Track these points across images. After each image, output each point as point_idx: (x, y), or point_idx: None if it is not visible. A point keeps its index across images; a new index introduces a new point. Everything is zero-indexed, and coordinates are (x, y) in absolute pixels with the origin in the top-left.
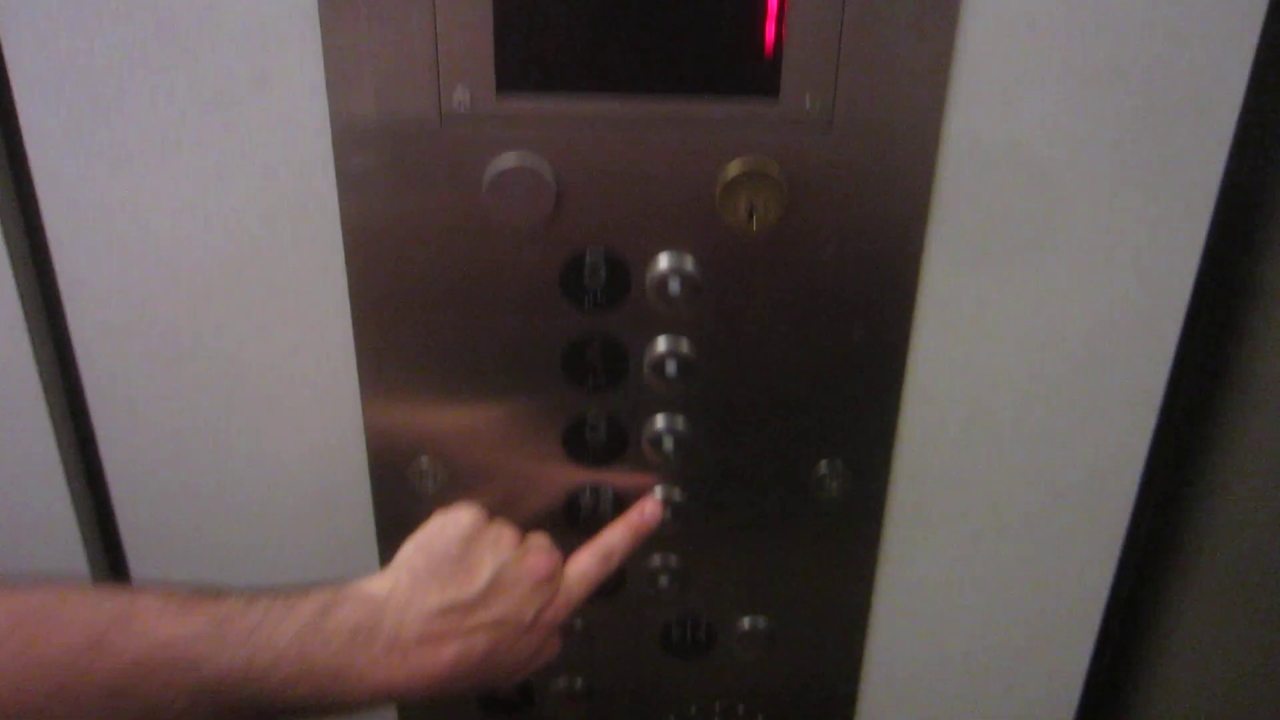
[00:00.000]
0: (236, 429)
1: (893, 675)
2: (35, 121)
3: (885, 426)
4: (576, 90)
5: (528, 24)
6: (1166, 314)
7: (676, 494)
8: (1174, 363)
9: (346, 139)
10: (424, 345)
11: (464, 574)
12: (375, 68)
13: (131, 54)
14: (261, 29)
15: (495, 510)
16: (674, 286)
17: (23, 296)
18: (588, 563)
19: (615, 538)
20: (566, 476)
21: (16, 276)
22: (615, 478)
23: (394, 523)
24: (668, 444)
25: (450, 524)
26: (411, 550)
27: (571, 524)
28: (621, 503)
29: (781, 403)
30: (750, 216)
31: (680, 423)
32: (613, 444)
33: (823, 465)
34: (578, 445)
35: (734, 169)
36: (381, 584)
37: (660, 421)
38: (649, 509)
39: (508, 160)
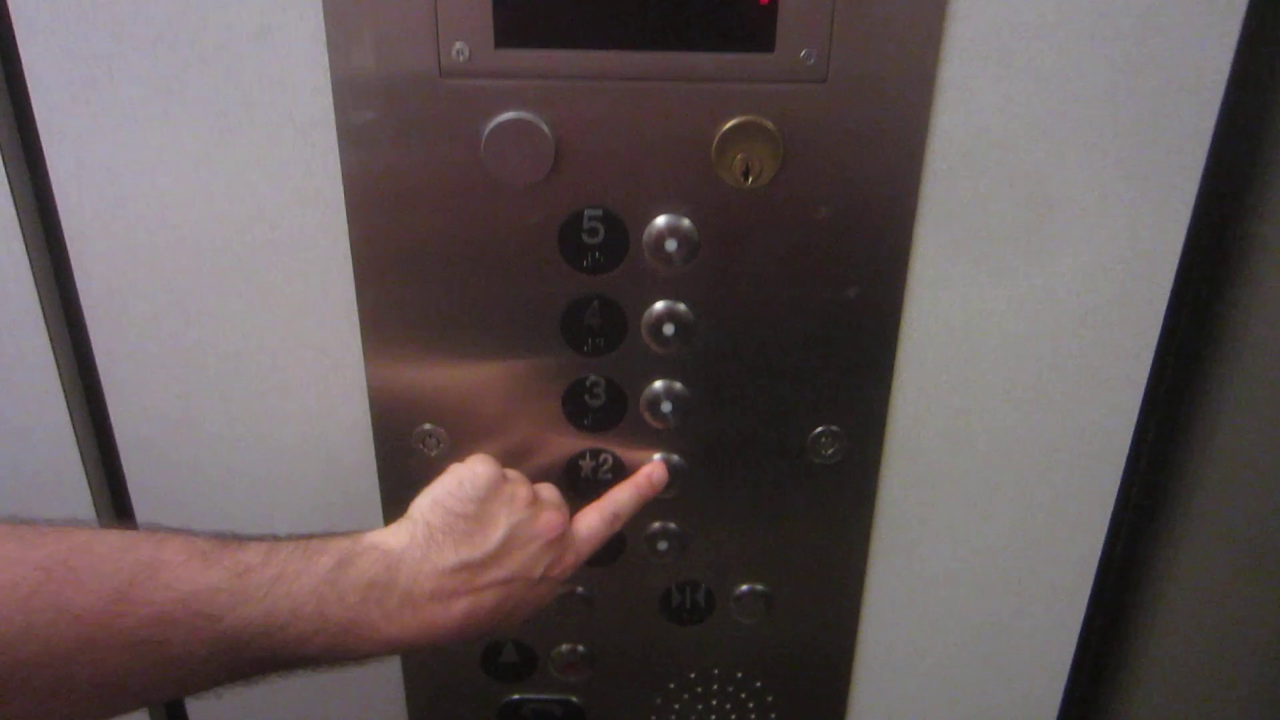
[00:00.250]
0: (242, 391)
1: (888, 639)
2: (40, 76)
3: (880, 391)
4: (574, 45)
5: None
6: (1158, 278)
7: (675, 459)
8: (1164, 326)
9: (347, 93)
10: (426, 305)
11: (478, 532)
12: (375, 21)
13: (134, 7)
14: None
15: None
16: (671, 245)
17: (31, 256)
18: (595, 522)
19: (622, 498)
20: (566, 439)
21: (24, 234)
22: (614, 441)
23: (398, 486)
24: (666, 407)
25: (468, 481)
26: (428, 505)
27: (571, 486)
28: (621, 466)
29: (778, 367)
30: (746, 172)
31: (678, 386)
32: (612, 407)
33: (819, 430)
34: (577, 409)
35: (729, 124)
36: (398, 538)
37: (658, 385)
38: (656, 473)
39: (507, 114)
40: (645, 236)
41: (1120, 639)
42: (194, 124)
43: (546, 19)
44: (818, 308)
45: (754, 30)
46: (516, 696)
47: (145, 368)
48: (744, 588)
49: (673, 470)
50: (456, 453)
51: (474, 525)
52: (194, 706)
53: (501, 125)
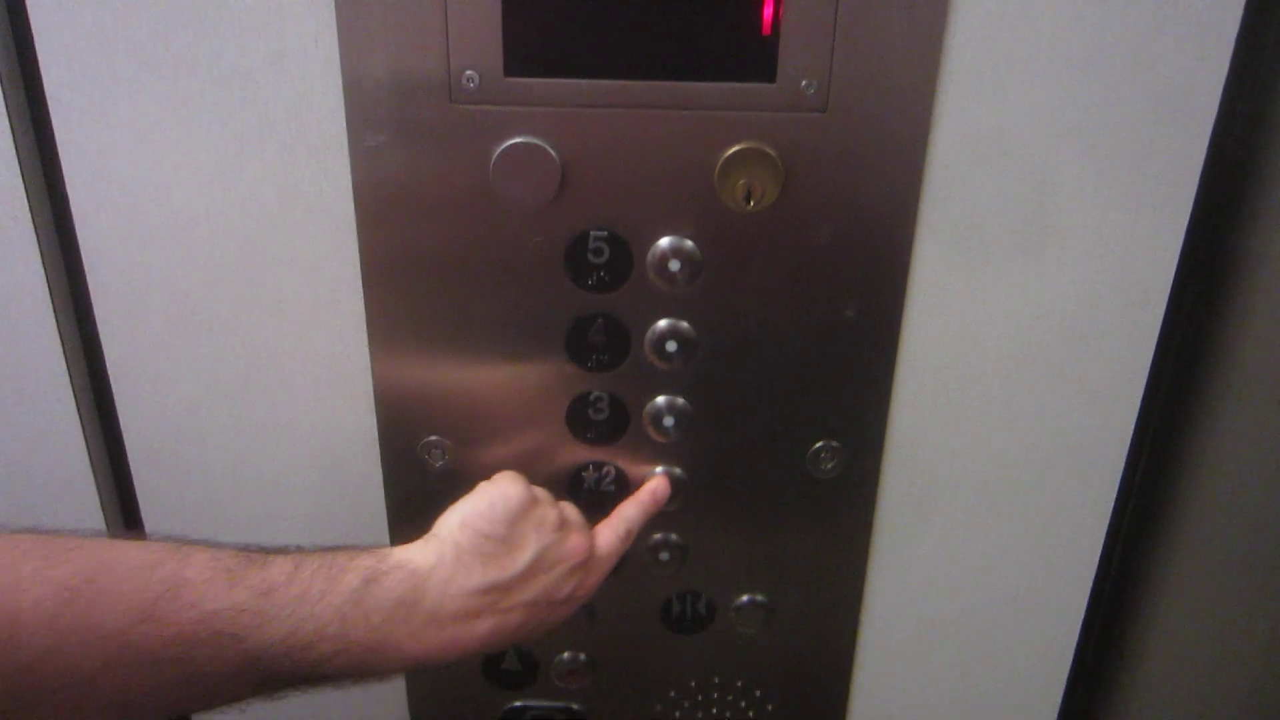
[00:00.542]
0: (252, 402)
1: (887, 649)
2: (60, 96)
3: (879, 405)
4: (581, 74)
5: (535, 10)
6: (1153, 290)
7: (677, 472)
8: (1160, 337)
9: (359, 116)
10: (433, 321)
11: (506, 555)
12: (388, 47)
13: (154, 29)
14: (279, 7)
15: None
16: (674, 265)
17: (47, 269)
18: (612, 540)
19: (631, 514)
20: (570, 452)
21: (41, 249)
22: (617, 454)
23: (404, 496)
24: (668, 422)
25: (499, 502)
26: (456, 525)
27: (575, 498)
28: (623, 478)
29: (778, 382)
30: (748, 197)
31: (680, 402)
32: (615, 421)
33: (818, 444)
34: (581, 422)
35: (732, 151)
36: (425, 557)
37: (661, 400)
38: (660, 488)
39: (515, 138)
40: (649, 257)
41: (1117, 650)
42: (210, 144)
43: (554, 49)
44: (818, 326)
45: (756, 61)
46: (518, 704)
47: (156, 377)
48: (744, 598)
49: (675, 483)
50: (461, 464)
51: (502, 547)
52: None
53: (510, 149)
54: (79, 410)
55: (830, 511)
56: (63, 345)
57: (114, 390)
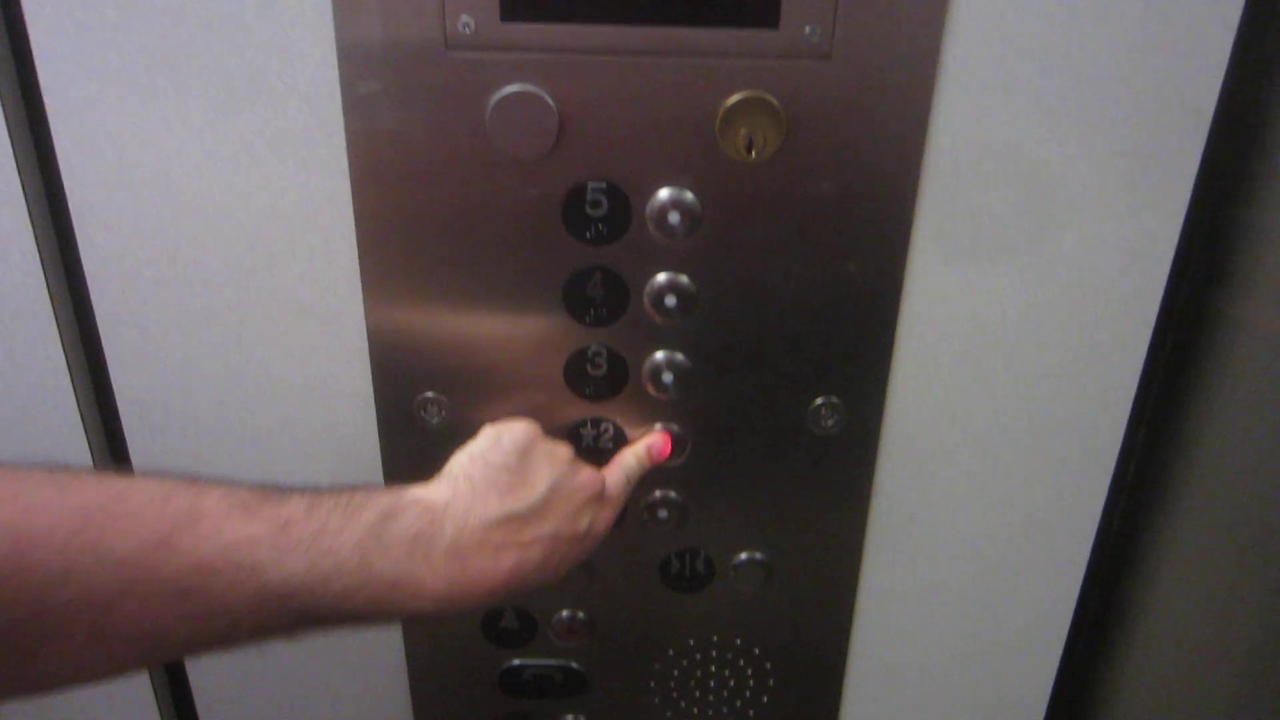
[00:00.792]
0: (245, 358)
1: (886, 607)
2: (46, 44)
3: (879, 363)
4: (579, 19)
5: None
6: (1158, 250)
7: (675, 429)
8: (1164, 295)
9: (352, 64)
10: (429, 274)
11: (522, 485)
12: None
13: None
14: None
15: None
16: (674, 218)
17: (35, 223)
18: (620, 479)
19: (631, 464)
20: (568, 408)
21: (29, 203)
22: (615, 410)
23: (400, 454)
24: (667, 377)
25: (506, 436)
26: (467, 460)
27: None
28: (622, 435)
29: (778, 338)
30: (749, 147)
31: (679, 357)
32: (613, 377)
33: (818, 401)
34: (579, 378)
35: (734, 99)
36: (440, 492)
37: (660, 356)
38: (658, 445)
39: (512, 86)
40: (648, 209)
41: (1116, 607)
42: (200, 93)
43: None
44: (819, 280)
45: (759, 7)
46: (517, 662)
47: (148, 334)
48: (743, 556)
49: (674, 440)
50: (458, 420)
51: (517, 478)
52: (195, 672)
53: (506, 98)
54: (69, 368)
55: (830, 468)
56: (52, 303)
57: (104, 347)
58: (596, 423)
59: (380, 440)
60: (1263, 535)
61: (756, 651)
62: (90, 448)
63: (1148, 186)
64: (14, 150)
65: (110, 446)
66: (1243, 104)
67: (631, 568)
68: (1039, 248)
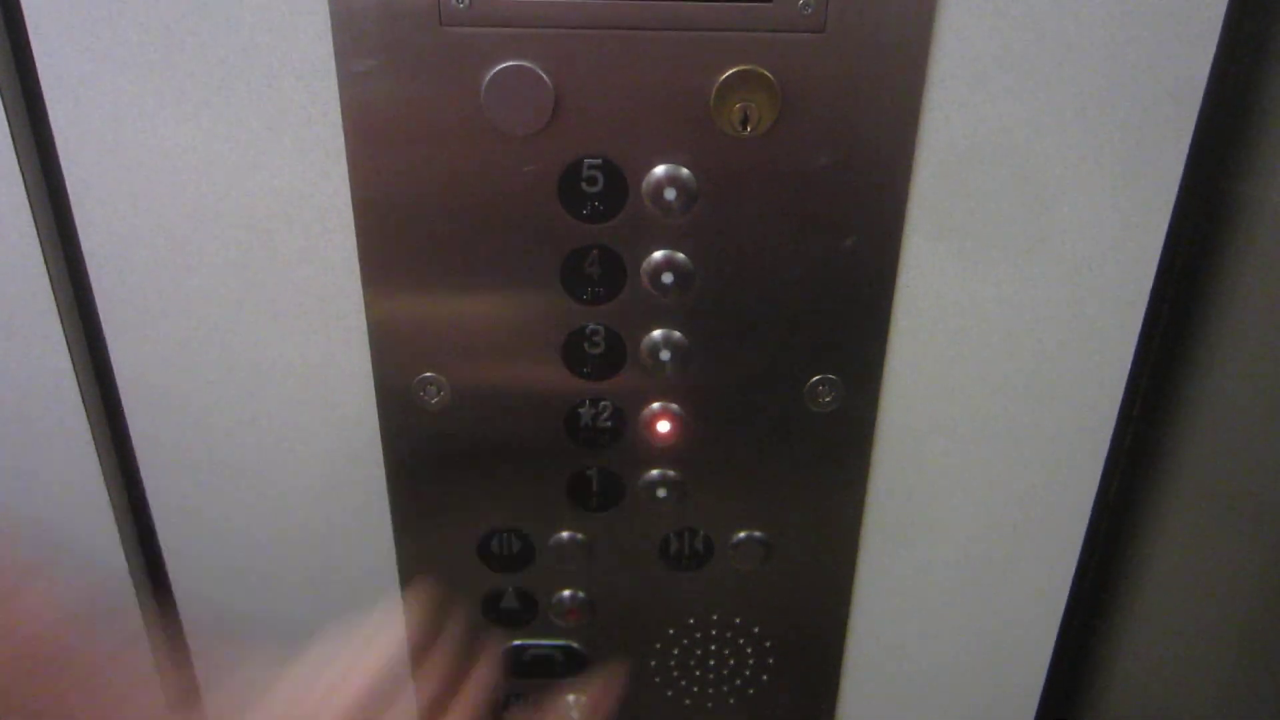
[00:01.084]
0: (241, 338)
1: (885, 584)
2: (42, 24)
3: (876, 339)
4: None
5: None
6: (1154, 223)
7: (674, 407)
8: (1160, 266)
9: (347, 40)
10: (426, 253)
11: None
12: None
13: None
14: None
15: (497, 423)
16: (670, 194)
17: (33, 201)
18: None
19: None
20: (566, 387)
21: (26, 182)
22: (614, 389)
23: (400, 436)
24: (664, 355)
25: None
26: None
27: (571, 434)
28: (620, 413)
29: (775, 315)
30: (744, 122)
31: (676, 335)
32: (611, 355)
33: (816, 378)
34: (577, 356)
35: (728, 73)
36: None
37: (657, 334)
38: None
39: (507, 62)
40: (644, 185)
41: (1114, 582)
42: (195, 70)
43: None
44: (815, 256)
45: None
46: (517, 642)
47: (145, 313)
48: (742, 535)
49: (671, 419)
50: (457, 401)
51: None
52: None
53: (502, 73)
54: (69, 347)
55: (828, 446)
56: (50, 281)
57: (103, 325)
58: (595, 401)
59: (379, 420)
60: (1257, 512)
61: (756, 630)
62: (90, 426)
63: (1143, 160)
64: (10, 128)
65: (110, 424)
66: (1234, 83)
67: (630, 547)
68: (1035, 223)
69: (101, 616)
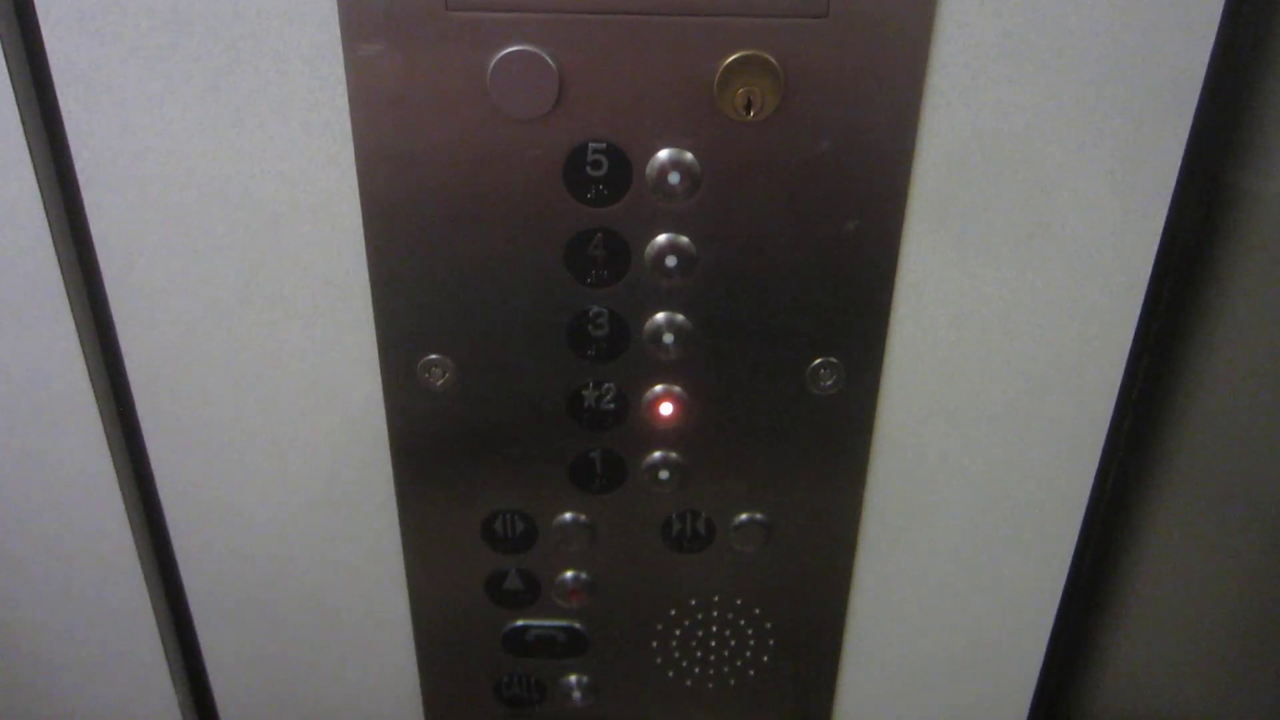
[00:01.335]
0: (248, 321)
1: (885, 566)
2: (51, 9)
3: (878, 323)
4: None
5: None
6: (1153, 211)
7: (676, 390)
8: (1159, 250)
9: (354, 25)
10: (431, 236)
11: None
12: None
13: None
14: None
15: (501, 405)
16: (674, 178)
17: (42, 185)
18: None
19: None
20: (570, 370)
21: (36, 167)
22: (617, 372)
23: (406, 418)
24: (668, 339)
25: None
26: None
27: (575, 416)
28: (623, 397)
29: (778, 299)
30: (748, 106)
31: (680, 318)
32: (615, 338)
33: (818, 361)
34: (581, 339)
35: (732, 58)
36: None
37: (660, 317)
38: None
39: (512, 46)
40: (648, 169)
41: (1112, 565)
42: (202, 54)
43: None
44: (818, 240)
45: None
46: (520, 623)
47: (152, 298)
48: (743, 517)
49: (674, 401)
50: (463, 384)
51: None
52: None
53: (507, 58)
54: (78, 331)
55: (829, 429)
56: (61, 270)
57: (111, 309)
58: (599, 384)
59: (385, 402)
60: (1254, 502)
61: (757, 611)
62: (99, 410)
63: (1142, 148)
64: (21, 114)
65: (119, 408)
66: (1234, 72)
67: (632, 528)
68: (1035, 210)
69: (110, 602)
